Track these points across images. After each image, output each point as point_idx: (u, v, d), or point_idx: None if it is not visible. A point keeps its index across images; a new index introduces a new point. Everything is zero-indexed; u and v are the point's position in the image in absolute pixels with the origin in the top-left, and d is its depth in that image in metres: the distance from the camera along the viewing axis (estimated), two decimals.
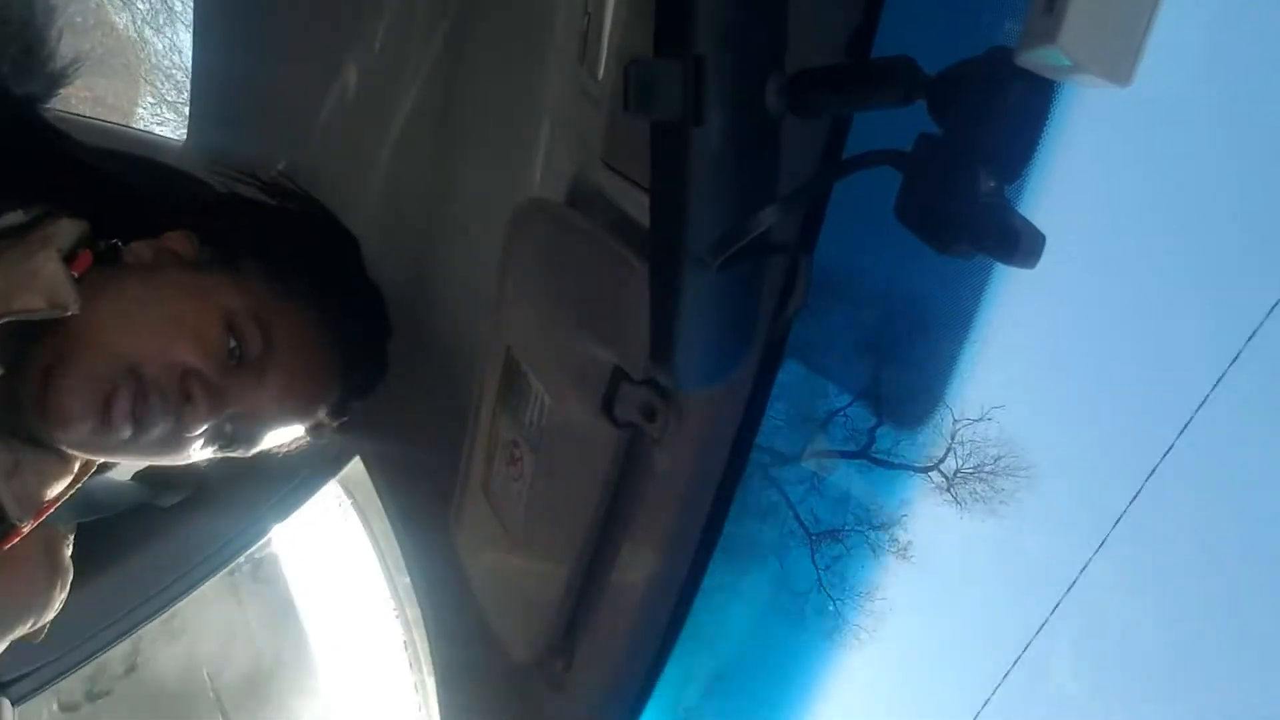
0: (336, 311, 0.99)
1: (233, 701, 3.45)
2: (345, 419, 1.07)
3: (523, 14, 0.99)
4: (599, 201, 0.78)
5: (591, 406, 0.75)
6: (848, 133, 0.61)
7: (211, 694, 3.40)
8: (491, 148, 1.10)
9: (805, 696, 0.80)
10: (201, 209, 1.00)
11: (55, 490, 0.94)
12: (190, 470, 1.32)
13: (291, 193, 1.05)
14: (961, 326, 0.62)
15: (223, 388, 0.90)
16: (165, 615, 1.40)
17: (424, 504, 1.25)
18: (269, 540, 1.43)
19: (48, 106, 0.98)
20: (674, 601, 0.80)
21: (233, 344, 0.90)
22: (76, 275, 0.85)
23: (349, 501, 1.68)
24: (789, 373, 0.72)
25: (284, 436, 1.01)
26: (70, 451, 0.92)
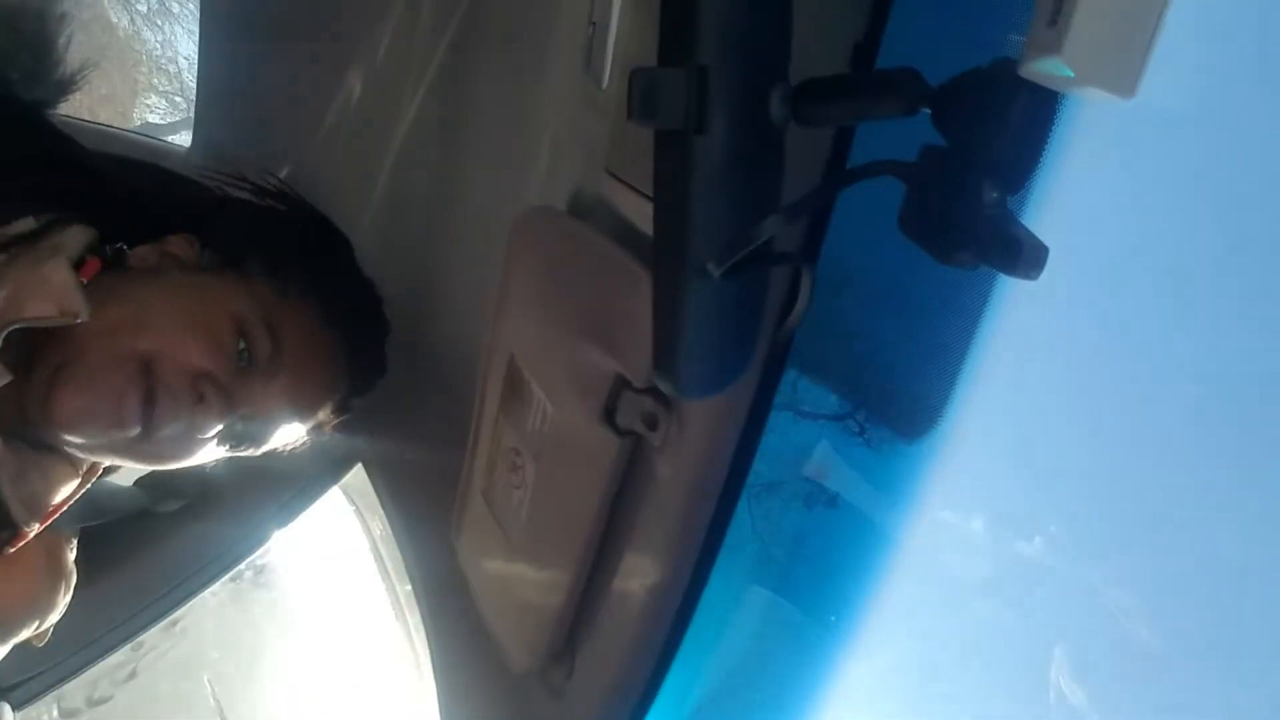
0: (339, 310, 1.00)
1: (233, 708, 3.44)
2: (348, 415, 1.08)
3: (527, 22, 0.99)
4: (602, 210, 0.79)
5: (593, 414, 0.75)
6: (851, 143, 0.61)
7: (212, 700, 3.40)
8: (495, 155, 1.10)
9: (809, 702, 0.80)
10: (201, 212, 1.01)
11: (61, 495, 0.94)
12: (192, 476, 1.32)
13: (282, 194, 1.06)
14: (961, 336, 0.62)
15: (234, 389, 0.91)
16: (167, 621, 1.40)
17: (426, 511, 1.25)
18: (271, 547, 1.43)
19: (55, 112, 1.00)
20: (676, 610, 0.80)
21: (242, 346, 0.91)
22: (85, 281, 0.86)
23: (351, 508, 1.68)
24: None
25: (291, 435, 1.02)
26: (76, 455, 0.92)
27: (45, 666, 1.31)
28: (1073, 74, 0.35)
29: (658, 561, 0.77)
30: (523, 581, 0.93)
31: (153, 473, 1.29)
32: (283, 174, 1.14)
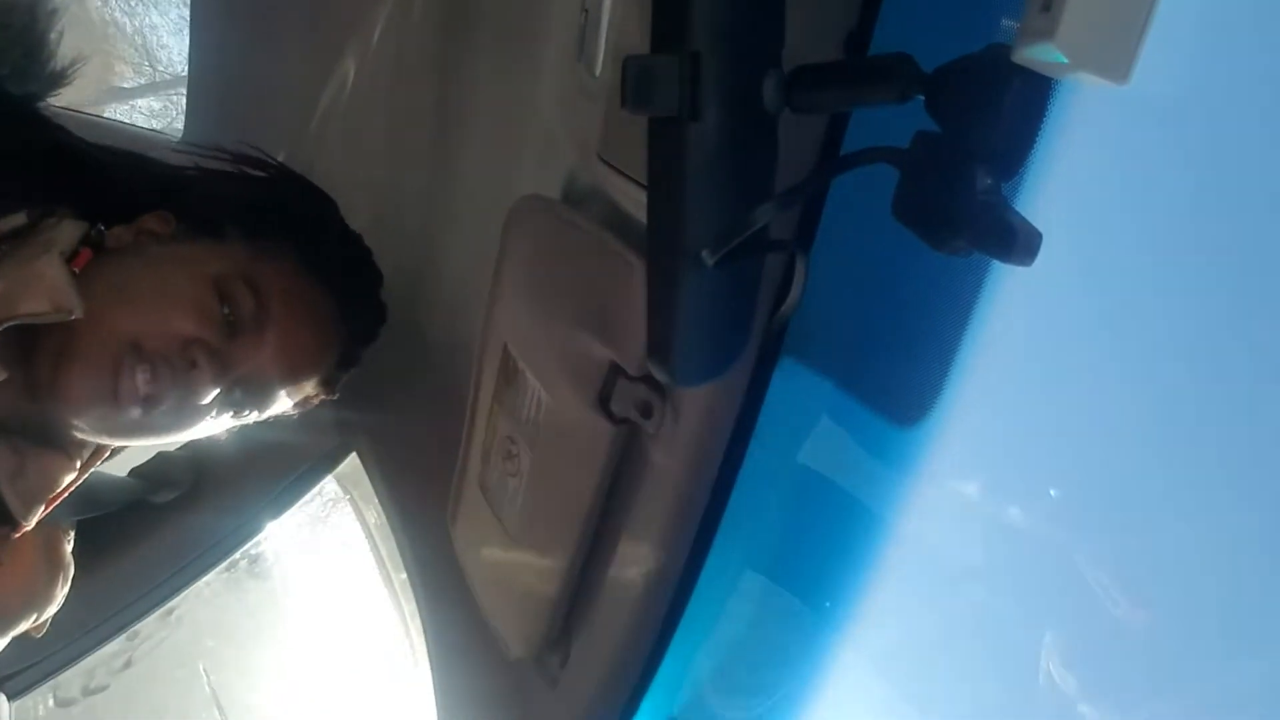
0: (322, 262, 1.00)
1: (228, 697, 3.45)
2: (355, 368, 1.08)
3: (520, 10, 0.99)
4: (596, 197, 0.79)
5: (588, 402, 0.75)
6: (845, 130, 0.61)
7: (208, 689, 3.40)
8: (488, 144, 1.10)
9: (804, 688, 0.80)
10: (174, 187, 1.02)
11: (58, 488, 0.95)
12: (187, 466, 1.32)
13: (256, 160, 1.06)
14: (955, 323, 0.62)
15: (225, 351, 0.91)
16: (162, 610, 1.40)
17: (421, 500, 1.25)
18: (265, 536, 1.43)
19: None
20: (671, 597, 0.81)
21: (225, 309, 0.91)
22: (77, 271, 0.87)
23: (346, 497, 1.68)
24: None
25: (295, 395, 1.02)
26: (86, 439, 0.93)
27: (41, 656, 1.31)
28: (1066, 60, 0.35)
29: (653, 549, 0.78)
30: (518, 569, 0.93)
31: (148, 463, 1.29)
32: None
